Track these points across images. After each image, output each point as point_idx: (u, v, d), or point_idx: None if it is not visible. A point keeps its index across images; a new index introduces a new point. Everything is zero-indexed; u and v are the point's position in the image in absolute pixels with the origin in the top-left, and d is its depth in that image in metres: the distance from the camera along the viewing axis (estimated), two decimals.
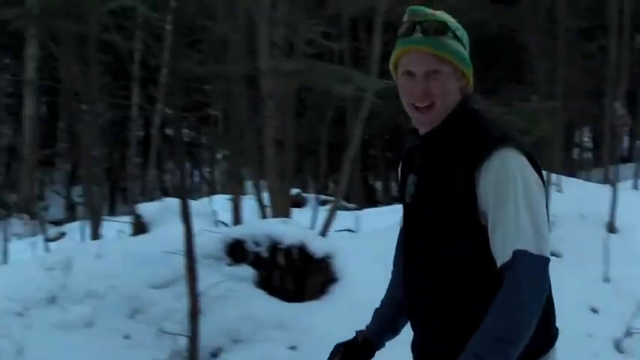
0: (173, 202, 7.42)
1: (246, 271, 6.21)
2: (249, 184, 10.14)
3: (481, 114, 2.30)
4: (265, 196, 8.04)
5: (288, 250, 6.24)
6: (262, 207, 8.02)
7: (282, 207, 7.81)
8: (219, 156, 17.78)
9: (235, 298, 6.01)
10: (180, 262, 5.80)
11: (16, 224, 13.10)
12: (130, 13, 14.78)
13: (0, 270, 7.56)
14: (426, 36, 2.23)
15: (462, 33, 2.30)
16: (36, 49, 17.35)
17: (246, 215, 8.36)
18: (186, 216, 5.65)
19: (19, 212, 15.76)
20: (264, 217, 7.89)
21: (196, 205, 7.66)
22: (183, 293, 5.65)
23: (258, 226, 6.67)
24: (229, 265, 6.26)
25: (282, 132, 7.78)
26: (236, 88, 8.34)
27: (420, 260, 2.30)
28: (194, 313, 5.48)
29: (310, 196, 13.57)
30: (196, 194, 16.50)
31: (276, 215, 7.63)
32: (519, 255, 2.06)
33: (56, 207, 18.84)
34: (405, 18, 2.29)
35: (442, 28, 2.25)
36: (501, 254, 2.09)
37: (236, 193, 8.64)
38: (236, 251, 6.31)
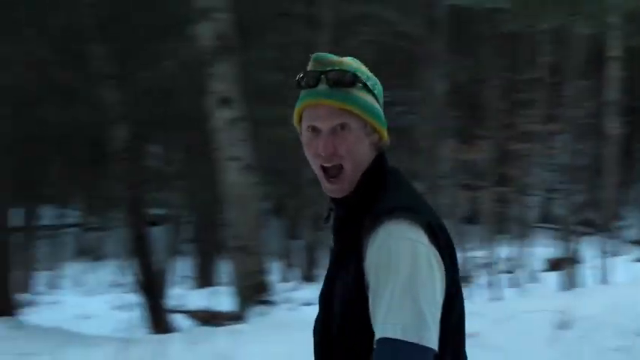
0: None
1: None
2: None
3: (393, 175, 2.00)
4: None
5: None
6: None
7: None
8: None
9: None
10: None
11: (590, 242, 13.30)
12: None
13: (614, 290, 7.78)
14: (332, 87, 1.95)
15: (373, 83, 2.01)
16: (618, 71, 17.74)
17: None
18: None
19: (601, 231, 16.03)
20: None
21: None
22: None
23: None
24: None
25: None
26: None
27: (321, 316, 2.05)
28: None
29: None
30: None
31: None
32: (382, 343, 1.77)
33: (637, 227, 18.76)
34: (309, 66, 1.99)
35: (350, 79, 1.95)
36: (375, 340, 1.79)
37: None
38: None
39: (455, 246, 1.96)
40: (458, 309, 1.95)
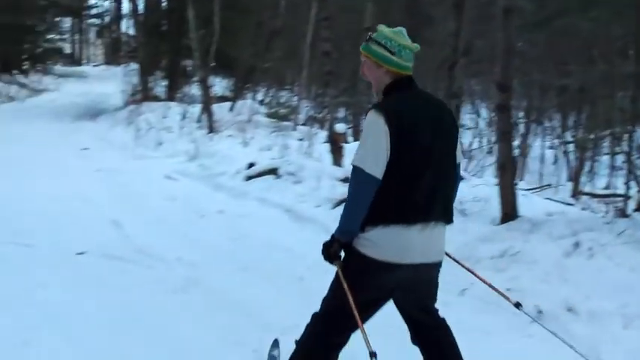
0: None
1: None
2: None
3: (397, 91, 3.72)
4: None
5: None
6: None
7: None
8: None
9: None
10: None
11: None
12: None
13: None
14: (366, 43, 3.80)
15: (387, 41, 3.75)
16: None
17: None
18: None
19: None
20: None
21: None
22: None
23: None
24: None
25: None
26: None
27: None
28: None
29: None
30: None
31: None
32: (352, 166, 3.55)
33: None
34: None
35: (369, 38, 3.79)
36: None
37: None
38: None
39: (415, 127, 3.55)
40: (408, 164, 3.54)
